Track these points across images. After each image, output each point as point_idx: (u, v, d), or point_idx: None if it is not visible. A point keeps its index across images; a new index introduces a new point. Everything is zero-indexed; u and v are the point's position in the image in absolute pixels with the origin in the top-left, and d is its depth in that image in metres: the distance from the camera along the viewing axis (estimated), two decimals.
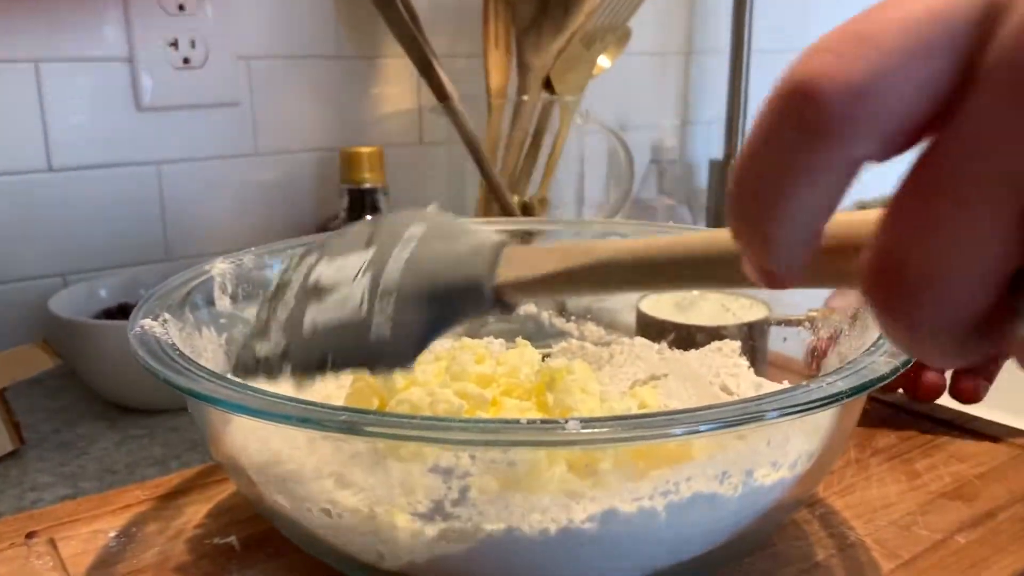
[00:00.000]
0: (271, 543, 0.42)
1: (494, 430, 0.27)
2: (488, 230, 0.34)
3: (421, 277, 0.32)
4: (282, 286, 0.36)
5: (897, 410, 0.56)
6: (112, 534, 0.43)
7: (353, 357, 0.32)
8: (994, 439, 0.52)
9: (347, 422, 0.28)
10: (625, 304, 0.67)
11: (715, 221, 1.04)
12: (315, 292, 0.34)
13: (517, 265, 0.32)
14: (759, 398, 0.29)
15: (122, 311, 0.68)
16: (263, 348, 0.34)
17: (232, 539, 0.43)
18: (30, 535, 0.43)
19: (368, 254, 0.34)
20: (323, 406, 0.28)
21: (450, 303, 0.32)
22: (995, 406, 0.59)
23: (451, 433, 0.28)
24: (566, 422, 0.27)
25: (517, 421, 0.27)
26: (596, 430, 0.27)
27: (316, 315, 0.33)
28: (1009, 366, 1.08)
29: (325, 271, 0.34)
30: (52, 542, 0.43)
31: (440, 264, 0.32)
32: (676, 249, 0.27)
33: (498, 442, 0.28)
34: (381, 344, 0.31)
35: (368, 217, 0.39)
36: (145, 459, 0.57)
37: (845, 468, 0.48)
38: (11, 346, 0.59)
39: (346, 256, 0.34)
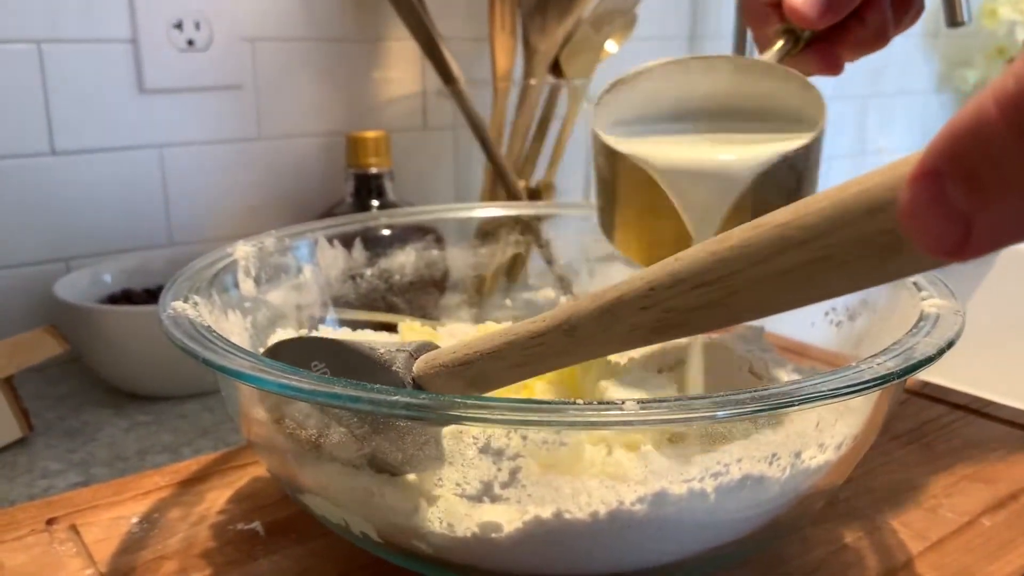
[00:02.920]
0: (296, 529, 0.42)
1: (551, 411, 0.27)
2: (381, 351, 0.33)
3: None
4: None
5: (914, 395, 0.56)
6: (134, 520, 0.43)
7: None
8: (1010, 423, 0.53)
9: (403, 404, 0.27)
10: None
11: None
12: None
13: (433, 383, 0.31)
14: (814, 378, 0.29)
15: (126, 296, 0.67)
16: None
17: (256, 525, 0.42)
18: (50, 521, 0.42)
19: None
20: (377, 388, 0.28)
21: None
22: (1007, 393, 0.59)
23: (505, 413, 0.27)
24: (623, 403, 0.27)
25: (574, 402, 0.27)
26: (654, 411, 0.27)
27: None
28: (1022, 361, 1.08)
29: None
30: (74, 528, 0.42)
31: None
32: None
33: (556, 423, 0.27)
34: None
35: None
36: (155, 446, 0.56)
37: (867, 452, 0.49)
38: (13, 331, 0.58)
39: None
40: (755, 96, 0.42)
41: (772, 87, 0.42)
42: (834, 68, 0.45)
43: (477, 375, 0.30)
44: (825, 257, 0.21)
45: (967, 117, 0.17)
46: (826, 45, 0.45)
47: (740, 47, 0.98)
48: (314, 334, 0.50)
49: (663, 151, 0.40)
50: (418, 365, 0.32)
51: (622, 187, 0.42)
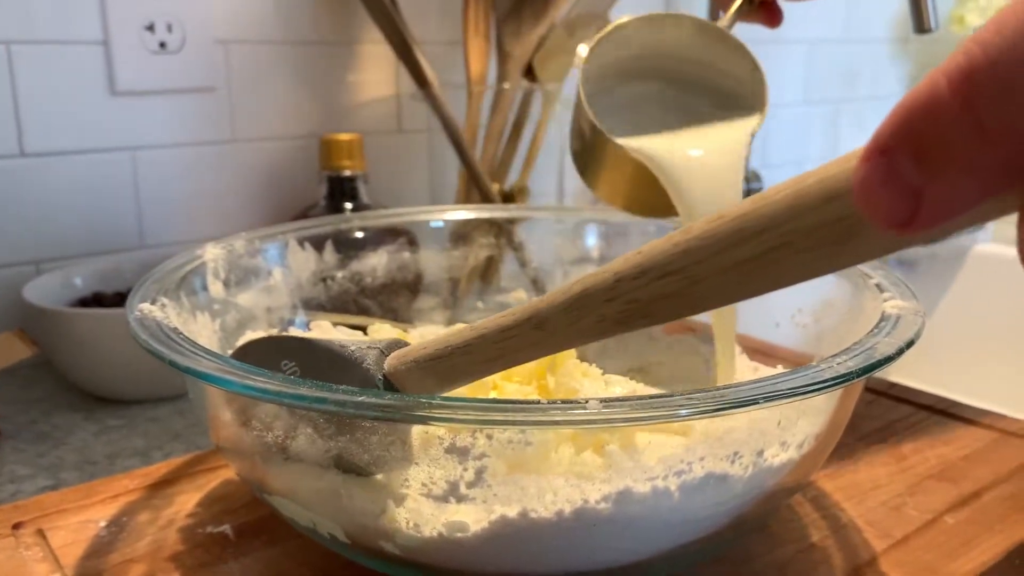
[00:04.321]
0: (266, 531, 0.42)
1: (516, 410, 0.27)
2: (351, 348, 0.33)
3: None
4: None
5: (881, 396, 0.57)
6: (102, 524, 0.42)
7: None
8: (975, 423, 0.53)
9: (368, 404, 0.27)
10: None
11: None
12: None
13: (405, 380, 0.32)
14: (773, 378, 0.29)
15: (97, 300, 0.67)
16: None
17: (226, 528, 0.42)
18: (16, 526, 0.42)
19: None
20: (342, 389, 0.28)
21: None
22: (974, 394, 0.60)
23: (470, 413, 0.27)
24: (587, 402, 0.27)
25: (538, 401, 0.27)
26: (617, 410, 0.27)
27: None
28: (988, 362, 1.10)
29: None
30: (41, 532, 0.42)
31: None
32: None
33: (520, 422, 0.28)
34: None
35: None
36: (125, 450, 0.56)
37: (833, 452, 0.49)
38: None
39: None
40: (709, 57, 0.48)
41: (725, 53, 0.47)
42: (774, 21, 0.50)
43: (448, 370, 0.31)
44: (785, 244, 0.22)
45: (919, 94, 0.17)
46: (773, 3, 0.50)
47: None
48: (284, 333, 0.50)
49: (658, 145, 0.45)
50: (389, 362, 0.32)
51: (603, 153, 0.47)
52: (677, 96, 0.49)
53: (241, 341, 0.45)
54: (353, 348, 0.33)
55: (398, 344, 0.33)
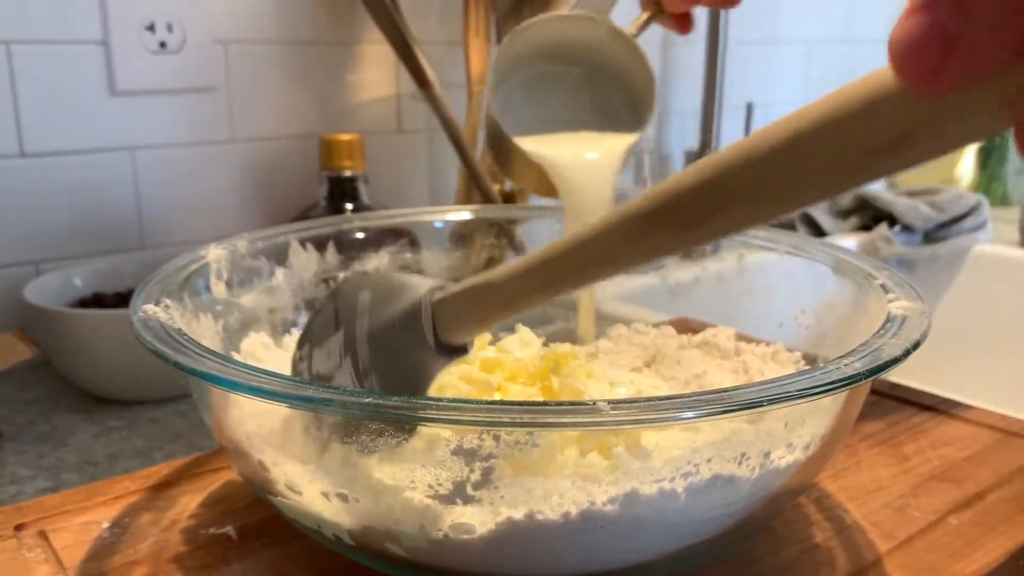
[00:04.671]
0: (269, 532, 0.42)
1: (523, 412, 0.27)
2: (416, 279, 0.36)
3: (383, 347, 0.35)
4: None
5: (883, 397, 0.57)
6: (105, 525, 0.42)
7: None
8: (977, 424, 0.53)
9: (373, 404, 0.27)
10: (603, 295, 0.68)
11: None
12: (321, 380, 0.37)
13: (450, 310, 0.34)
14: (782, 379, 0.29)
15: (97, 300, 0.67)
16: None
17: (229, 529, 0.42)
18: (19, 527, 0.42)
19: (340, 336, 0.37)
20: (348, 391, 0.28)
21: (413, 362, 0.34)
22: (975, 395, 0.60)
23: (477, 415, 0.27)
24: (595, 403, 0.27)
25: (545, 403, 0.27)
26: (625, 412, 0.27)
27: None
28: (989, 363, 1.10)
29: (320, 360, 0.38)
30: (43, 534, 0.41)
31: (389, 331, 0.35)
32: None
33: (527, 424, 0.27)
34: None
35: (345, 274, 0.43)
36: (126, 451, 0.56)
37: (837, 453, 0.49)
38: None
39: (327, 343, 0.38)
40: (622, 58, 0.51)
41: (633, 60, 0.51)
42: (685, 29, 0.52)
43: (483, 288, 0.32)
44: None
45: None
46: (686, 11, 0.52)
47: (712, 53, 0.99)
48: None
49: (550, 148, 0.50)
50: (440, 293, 0.34)
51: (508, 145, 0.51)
52: (592, 81, 0.53)
53: (244, 343, 0.45)
54: (415, 279, 0.36)
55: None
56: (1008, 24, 0.19)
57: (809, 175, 0.24)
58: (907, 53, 0.20)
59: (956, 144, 0.22)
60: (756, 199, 0.25)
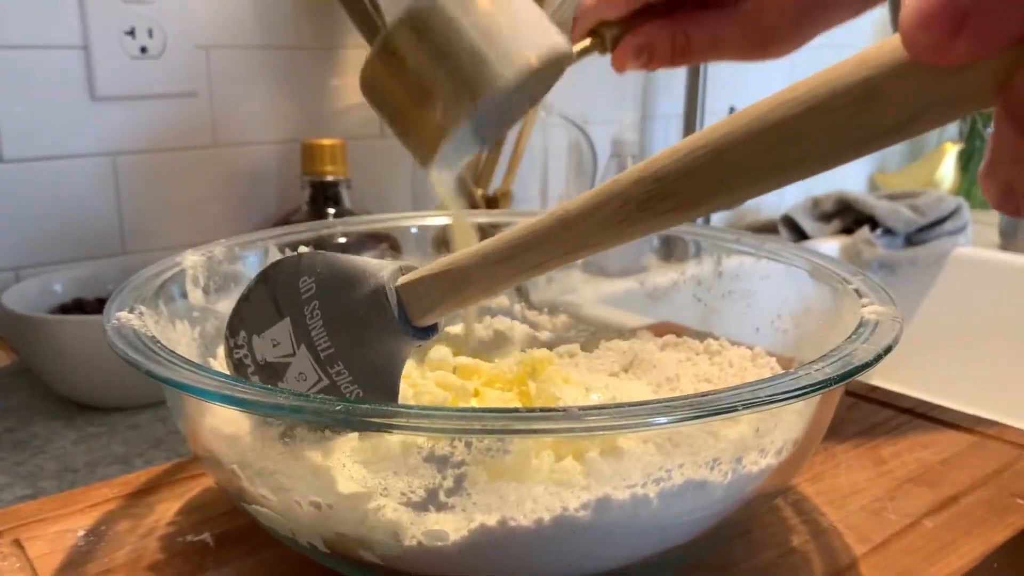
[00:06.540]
0: (246, 540, 0.41)
1: (494, 418, 0.27)
2: (373, 263, 0.35)
3: (347, 333, 0.34)
4: (239, 367, 0.37)
5: (861, 399, 0.57)
6: (81, 533, 0.42)
7: None
8: (954, 427, 0.54)
9: (344, 412, 0.27)
10: (583, 299, 0.68)
11: None
12: (271, 369, 0.36)
13: (421, 294, 0.33)
14: (752, 384, 0.29)
15: (77, 306, 0.66)
16: None
17: (206, 536, 0.42)
18: None
19: (287, 324, 0.35)
20: (319, 398, 0.28)
21: (383, 347, 0.34)
22: (956, 397, 0.60)
23: (448, 422, 0.27)
24: (565, 410, 0.27)
25: (517, 410, 0.27)
26: (597, 418, 0.27)
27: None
28: (970, 365, 1.11)
29: (264, 348, 0.36)
30: (18, 542, 0.41)
31: (352, 317, 0.34)
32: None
33: (498, 431, 0.28)
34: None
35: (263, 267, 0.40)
36: (106, 457, 0.55)
37: (814, 456, 0.49)
38: None
39: (269, 330, 0.36)
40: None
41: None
42: (617, 66, 0.50)
43: (460, 274, 0.32)
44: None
45: None
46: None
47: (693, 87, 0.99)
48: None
49: None
50: (403, 277, 0.34)
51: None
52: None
53: (220, 351, 0.45)
54: (373, 264, 0.34)
55: (412, 268, 0.35)
56: (1014, 3, 0.20)
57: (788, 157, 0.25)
58: (919, 25, 0.21)
59: (945, 119, 0.23)
60: (754, 178, 0.26)
